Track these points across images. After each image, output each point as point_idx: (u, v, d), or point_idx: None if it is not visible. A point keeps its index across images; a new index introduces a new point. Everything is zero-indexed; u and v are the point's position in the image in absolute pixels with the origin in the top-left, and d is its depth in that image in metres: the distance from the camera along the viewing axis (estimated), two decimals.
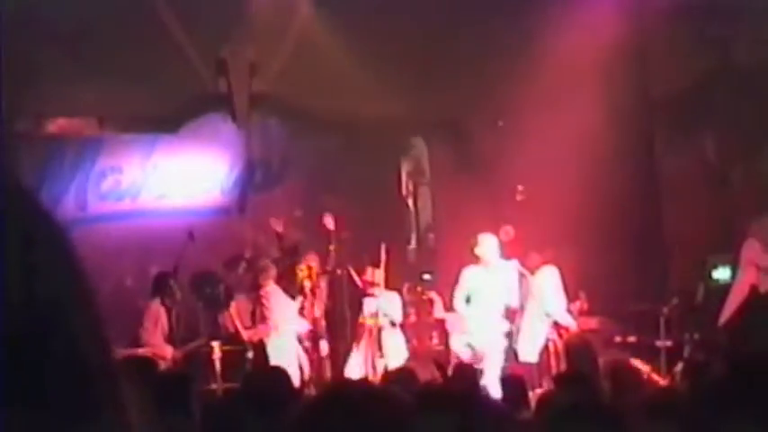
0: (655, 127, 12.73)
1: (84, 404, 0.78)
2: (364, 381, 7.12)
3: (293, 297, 11.43)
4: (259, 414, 4.50)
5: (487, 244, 10.95)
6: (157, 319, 10.91)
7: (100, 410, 0.79)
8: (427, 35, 12.24)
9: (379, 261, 11.46)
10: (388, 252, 11.48)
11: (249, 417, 4.59)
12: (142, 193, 12.96)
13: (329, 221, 11.87)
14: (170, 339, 10.96)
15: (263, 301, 11.28)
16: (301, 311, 11.50)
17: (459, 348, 11.05)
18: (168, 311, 10.98)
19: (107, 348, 0.83)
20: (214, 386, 10.52)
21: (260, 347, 11.10)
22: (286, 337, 11.20)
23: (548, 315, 11.12)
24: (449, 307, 11.90)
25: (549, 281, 11.21)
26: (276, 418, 4.28)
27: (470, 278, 10.98)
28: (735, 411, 2.22)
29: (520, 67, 12.15)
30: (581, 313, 11.47)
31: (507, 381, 7.70)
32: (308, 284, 11.51)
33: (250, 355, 11.07)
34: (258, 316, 11.30)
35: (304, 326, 11.47)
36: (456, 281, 11.06)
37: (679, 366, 10.19)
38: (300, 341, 11.42)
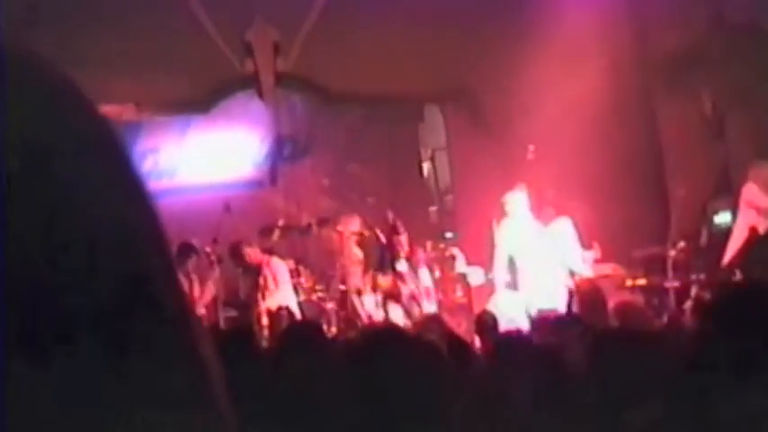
0: (652, 82, 12.93)
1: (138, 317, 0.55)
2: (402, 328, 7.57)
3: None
4: (300, 364, 4.36)
5: (515, 200, 11.39)
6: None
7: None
8: (436, 12, 12.58)
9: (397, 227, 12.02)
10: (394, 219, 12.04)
11: (292, 368, 4.33)
12: (179, 171, 13.36)
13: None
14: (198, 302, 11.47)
15: (273, 269, 11.74)
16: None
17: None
18: (196, 277, 11.54)
19: (169, 254, 0.60)
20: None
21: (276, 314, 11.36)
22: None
23: (563, 265, 11.41)
24: (470, 262, 12.51)
25: (564, 232, 11.56)
26: (314, 367, 4.06)
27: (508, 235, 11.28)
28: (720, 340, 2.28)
29: (527, 34, 12.44)
30: (595, 261, 11.81)
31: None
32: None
33: (265, 321, 11.37)
34: (267, 284, 11.73)
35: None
36: (479, 236, 11.55)
37: (688, 304, 10.50)
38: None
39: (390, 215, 12.26)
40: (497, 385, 3.36)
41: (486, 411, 3.20)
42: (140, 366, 0.56)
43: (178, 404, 0.57)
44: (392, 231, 12.08)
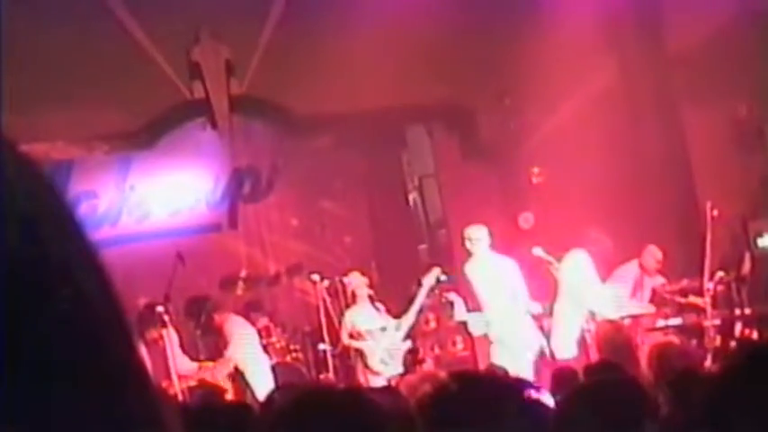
0: (675, 86, 12.43)
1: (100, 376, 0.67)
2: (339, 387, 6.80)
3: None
4: None
5: (475, 236, 10.91)
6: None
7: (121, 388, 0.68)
8: (416, 15, 11.76)
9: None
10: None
11: None
12: (122, 216, 12.76)
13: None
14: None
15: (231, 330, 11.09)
16: None
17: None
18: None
19: (124, 316, 0.72)
20: None
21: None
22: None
23: (581, 304, 10.63)
24: (471, 308, 11.62)
25: (579, 266, 10.77)
26: None
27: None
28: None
29: (523, 35, 11.89)
30: None
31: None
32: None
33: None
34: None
35: None
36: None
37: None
38: None
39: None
40: None
41: None
42: None
43: None
44: None
